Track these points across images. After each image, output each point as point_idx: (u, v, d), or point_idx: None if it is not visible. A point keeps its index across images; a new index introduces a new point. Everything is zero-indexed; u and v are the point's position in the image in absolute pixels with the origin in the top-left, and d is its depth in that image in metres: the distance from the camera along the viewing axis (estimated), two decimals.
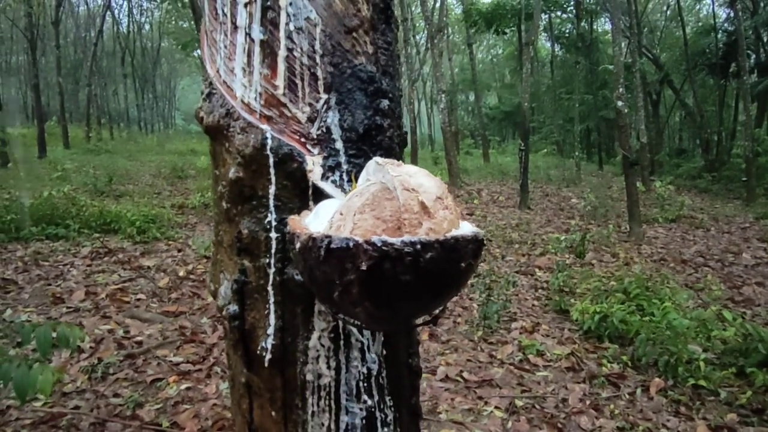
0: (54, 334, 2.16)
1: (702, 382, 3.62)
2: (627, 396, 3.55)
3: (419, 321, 0.66)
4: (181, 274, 5.68)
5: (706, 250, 8.16)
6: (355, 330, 0.68)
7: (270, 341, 0.69)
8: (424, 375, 3.58)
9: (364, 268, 0.50)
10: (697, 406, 3.42)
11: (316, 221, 0.62)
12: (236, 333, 0.72)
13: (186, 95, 55.84)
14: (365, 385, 0.69)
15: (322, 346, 0.68)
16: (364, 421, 0.70)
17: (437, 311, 0.64)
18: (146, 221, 7.47)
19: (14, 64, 36.82)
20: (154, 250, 6.61)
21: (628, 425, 3.18)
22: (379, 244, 0.50)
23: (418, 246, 0.51)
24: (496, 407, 3.32)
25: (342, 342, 0.68)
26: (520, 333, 4.50)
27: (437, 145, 30.37)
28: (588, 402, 3.45)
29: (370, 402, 0.70)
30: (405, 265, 0.50)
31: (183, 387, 3.41)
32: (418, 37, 29.38)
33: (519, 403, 3.39)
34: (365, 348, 0.69)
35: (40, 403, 3.16)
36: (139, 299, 4.92)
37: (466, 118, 43.71)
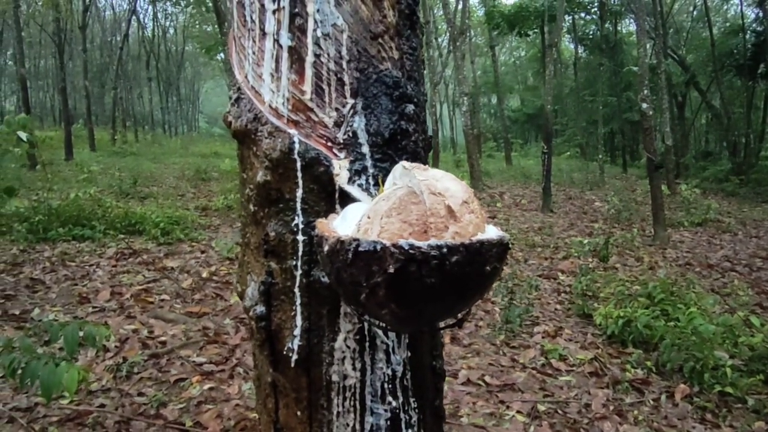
0: (81, 333, 2.20)
1: (729, 389, 3.55)
2: (651, 402, 3.50)
3: (444, 323, 0.67)
4: (204, 275, 5.74)
5: (734, 254, 8.01)
6: (380, 332, 0.69)
7: (296, 342, 0.70)
8: (445, 379, 3.58)
9: (391, 270, 0.51)
10: (724, 414, 3.36)
11: (343, 224, 0.63)
12: (263, 333, 0.73)
13: (209, 98, 56.55)
14: (390, 386, 0.70)
15: (348, 347, 0.69)
16: (388, 423, 0.71)
17: (462, 314, 0.65)
18: (170, 223, 7.57)
19: (42, 68, 37.64)
20: (178, 252, 6.70)
21: None
22: (405, 248, 0.51)
23: (444, 249, 0.51)
24: (518, 412, 3.30)
25: (367, 344, 0.69)
26: (543, 337, 4.47)
27: (459, 148, 30.30)
28: (611, 407, 3.41)
29: (394, 403, 0.71)
30: (431, 268, 0.51)
31: (206, 387, 3.45)
32: (440, 40, 29.37)
33: (541, 407, 3.36)
34: (390, 350, 0.70)
35: (67, 401, 3.22)
36: (163, 300, 4.99)
37: (488, 121, 43.53)
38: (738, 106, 21.48)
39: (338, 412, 0.70)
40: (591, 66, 25.51)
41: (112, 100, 25.75)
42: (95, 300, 4.87)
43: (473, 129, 16.11)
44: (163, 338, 4.12)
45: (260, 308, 0.73)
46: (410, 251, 0.51)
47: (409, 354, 0.72)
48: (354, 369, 0.69)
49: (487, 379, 3.71)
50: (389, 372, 0.70)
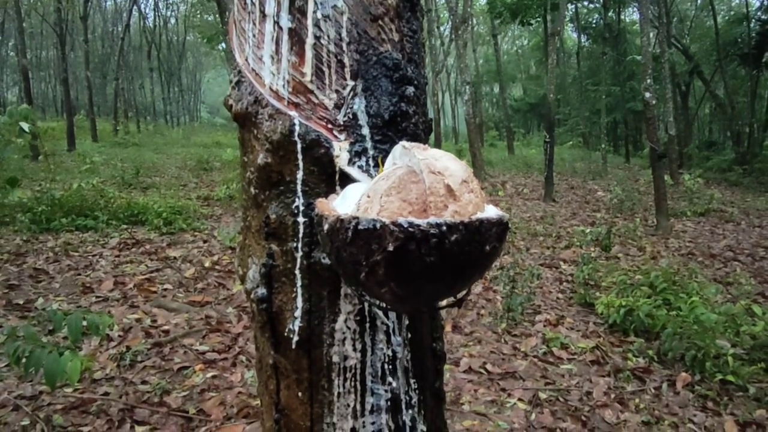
0: (84, 322, 2.21)
1: (730, 378, 3.56)
2: (653, 390, 3.51)
3: (443, 303, 0.67)
4: (206, 264, 5.76)
5: (736, 244, 8.00)
6: (380, 313, 0.69)
7: (297, 324, 0.70)
8: (447, 366, 3.59)
9: (390, 249, 0.51)
10: (725, 402, 3.37)
11: (343, 204, 0.63)
12: (264, 315, 0.74)
13: (211, 88, 56.42)
14: (390, 367, 0.71)
15: (348, 328, 0.69)
16: (389, 403, 0.71)
17: (462, 294, 0.65)
18: (172, 213, 7.59)
19: (44, 59, 37.56)
20: (180, 241, 6.72)
21: (653, 419, 3.15)
22: (405, 226, 0.51)
23: (444, 228, 0.52)
24: (519, 399, 3.31)
25: (368, 325, 0.70)
26: (545, 326, 4.48)
27: (461, 137, 30.24)
28: (613, 395, 3.42)
29: (395, 384, 0.71)
30: (430, 247, 0.51)
31: (209, 375, 3.47)
32: (442, 29, 29.22)
33: (543, 395, 3.38)
34: (390, 331, 0.71)
35: (71, 389, 3.24)
36: (165, 289, 5.01)
37: (490, 110, 43.41)
38: (742, 95, 21.37)
39: (339, 393, 0.71)
40: (594, 55, 25.40)
41: (113, 90, 25.73)
42: (98, 290, 4.89)
43: (475, 118, 16.05)
44: (166, 327, 4.14)
45: (261, 290, 0.73)
46: (410, 229, 0.51)
47: (410, 335, 0.72)
48: (354, 350, 0.69)
49: (488, 367, 3.72)
50: (389, 353, 0.71)
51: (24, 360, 2.01)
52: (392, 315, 0.71)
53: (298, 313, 0.70)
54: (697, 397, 3.44)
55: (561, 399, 3.36)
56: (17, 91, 32.18)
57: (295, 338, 0.71)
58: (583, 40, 26.71)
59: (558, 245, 7.30)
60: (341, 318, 0.69)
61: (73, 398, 3.14)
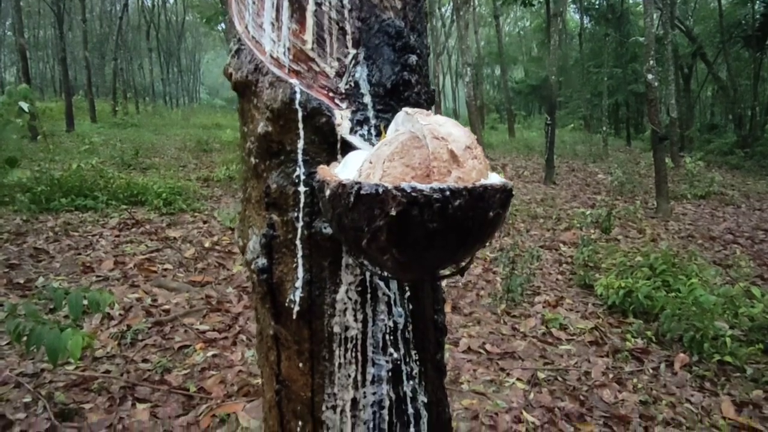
0: (85, 300, 2.22)
1: (728, 359, 3.58)
2: (650, 371, 3.53)
3: (446, 272, 0.67)
4: (206, 245, 5.76)
5: (736, 227, 8.00)
6: (382, 284, 0.69)
7: (298, 294, 0.70)
8: (446, 346, 3.61)
9: (393, 213, 0.50)
10: (722, 382, 3.39)
11: (344, 171, 0.62)
12: (264, 286, 0.73)
13: (210, 69, 56.06)
14: (391, 338, 0.70)
15: (350, 299, 0.69)
16: (389, 374, 0.71)
17: (464, 262, 0.64)
18: (172, 193, 7.57)
19: (42, 38, 37.24)
20: (180, 222, 6.72)
21: (651, 399, 3.17)
22: (408, 190, 0.50)
23: (447, 193, 0.51)
24: (518, 379, 3.33)
25: (369, 295, 0.69)
26: (544, 307, 4.49)
27: (462, 120, 30.09)
28: (611, 376, 3.44)
29: (396, 355, 0.71)
30: (433, 212, 0.50)
31: (209, 354, 3.49)
32: (443, 10, 28.94)
33: (541, 375, 3.40)
34: (392, 302, 0.70)
35: (72, 367, 3.26)
36: (166, 269, 5.02)
37: (491, 93, 43.14)
38: (745, 78, 21.21)
39: (340, 364, 0.70)
40: (596, 37, 25.15)
41: (112, 71, 25.53)
42: (99, 269, 4.90)
43: (476, 100, 15.95)
44: (166, 306, 4.16)
45: (262, 261, 0.72)
46: (412, 194, 0.50)
47: (411, 307, 0.72)
48: (356, 320, 0.69)
49: (487, 347, 3.74)
50: (391, 324, 0.70)
51: (25, 337, 2.01)
52: (393, 286, 0.70)
53: (298, 283, 0.69)
54: (695, 377, 3.46)
55: (559, 379, 3.38)
56: (15, 71, 31.96)
57: (296, 309, 0.70)
58: (585, 22, 26.44)
59: (558, 227, 7.30)
60: (342, 288, 0.69)
61: (74, 376, 3.16)
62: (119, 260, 5.14)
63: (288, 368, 0.74)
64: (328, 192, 0.56)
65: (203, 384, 3.13)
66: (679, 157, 14.67)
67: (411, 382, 0.72)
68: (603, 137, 18.23)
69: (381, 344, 0.70)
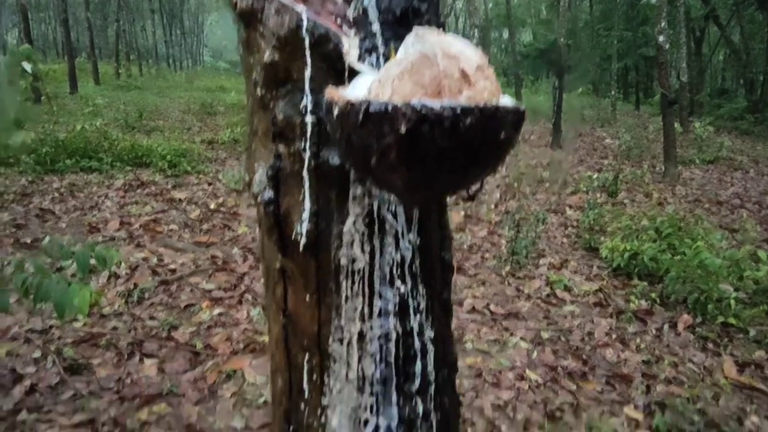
0: (92, 257, 2.22)
1: (731, 320, 3.59)
2: (654, 331, 3.55)
3: (456, 197, 0.66)
4: (212, 206, 5.77)
5: (744, 192, 7.95)
6: (389, 216, 0.68)
7: (305, 226, 0.69)
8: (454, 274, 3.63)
9: (402, 131, 0.49)
10: (725, 343, 3.41)
11: (353, 92, 0.61)
12: (271, 218, 0.72)
13: (214, 31, 55.32)
14: (399, 271, 0.70)
15: (357, 230, 0.68)
16: (396, 307, 0.71)
17: (475, 188, 0.63)
18: (177, 155, 7.56)
19: None
20: (185, 184, 6.72)
21: (653, 359, 3.19)
22: (418, 107, 0.49)
23: (458, 111, 0.49)
24: (521, 339, 3.35)
25: (377, 227, 0.68)
26: (548, 269, 4.50)
27: None
28: (614, 336, 3.46)
29: (403, 288, 0.70)
30: (444, 130, 0.49)
31: (216, 312, 3.52)
32: None
33: (545, 335, 3.42)
34: (399, 235, 0.69)
35: (81, 324, 3.30)
36: (171, 230, 5.03)
37: (499, 56, 42.44)
38: (758, 41, 20.81)
39: (347, 296, 0.70)
40: None
41: (114, 32, 25.22)
42: (105, 229, 4.92)
43: None
44: (172, 266, 4.18)
45: (268, 193, 0.71)
46: (422, 111, 0.49)
47: (419, 242, 0.71)
48: (363, 252, 0.68)
49: (491, 307, 3.76)
50: (398, 257, 0.70)
51: (32, 293, 2.02)
52: (401, 219, 0.69)
53: (305, 215, 0.69)
54: (698, 338, 3.48)
55: (563, 339, 3.40)
56: (17, 32, 31.59)
57: (303, 241, 0.69)
58: None
59: (564, 191, 7.26)
60: (350, 220, 0.68)
61: (82, 333, 3.20)
62: (125, 221, 5.16)
63: (294, 302, 0.74)
64: (336, 111, 0.55)
65: (210, 341, 3.17)
66: (688, 122, 14.51)
67: (418, 317, 0.72)
68: (611, 102, 18.01)
69: (388, 277, 0.70)
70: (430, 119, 0.48)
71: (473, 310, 3.70)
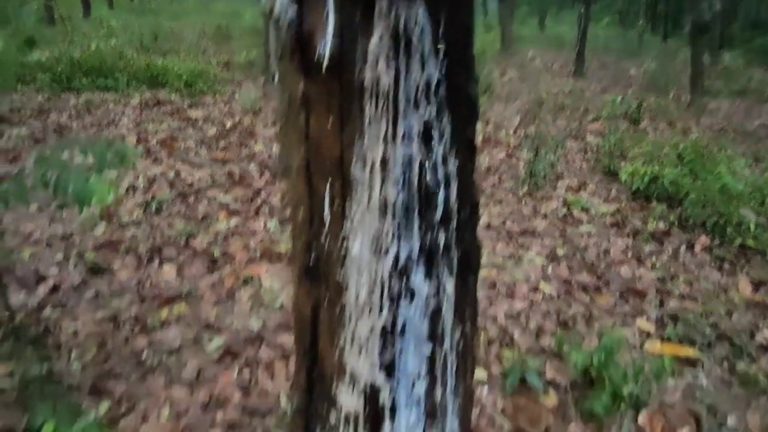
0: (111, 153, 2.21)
1: (750, 242, 3.55)
2: (670, 251, 3.54)
3: None
4: (228, 125, 5.74)
5: None
6: (415, 37, 0.65)
7: (328, 46, 0.66)
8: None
9: None
10: (742, 264, 3.39)
11: None
12: (293, 40, 0.70)
13: None
14: (424, 95, 0.68)
15: (382, 49, 0.65)
16: (421, 131, 0.69)
17: None
18: (193, 76, 7.47)
19: None
20: (202, 103, 6.66)
21: (668, 276, 3.19)
22: None
23: None
24: (537, 254, 3.36)
25: (402, 46, 0.66)
26: (566, 191, 4.45)
27: (491, 14, 28.70)
28: (630, 254, 3.46)
29: (427, 113, 0.68)
30: None
31: (232, 223, 3.56)
32: None
33: (560, 252, 3.42)
34: (425, 56, 0.67)
35: (101, 231, 3.35)
36: (188, 147, 5.03)
37: None
38: None
39: (370, 119, 0.68)
40: None
41: None
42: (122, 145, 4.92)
43: None
44: (189, 180, 4.20)
45: (291, 12, 0.68)
46: None
47: (444, 67, 0.68)
48: (387, 72, 0.66)
49: (507, 225, 3.75)
50: (424, 79, 0.67)
51: (52, 184, 2.04)
52: (427, 38, 0.66)
53: (329, 34, 0.66)
54: (715, 258, 3.46)
55: (578, 255, 3.40)
56: None
57: (326, 62, 0.67)
58: None
59: (585, 118, 7.10)
60: (374, 37, 0.65)
61: (102, 239, 3.26)
62: (142, 137, 5.17)
63: (316, 128, 0.72)
64: None
65: (227, 249, 3.22)
66: (718, 54, 13.96)
67: (442, 145, 0.70)
68: (639, 32, 17.33)
69: (413, 99, 0.67)
70: None
71: (489, 226, 3.69)
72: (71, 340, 2.32)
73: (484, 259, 3.24)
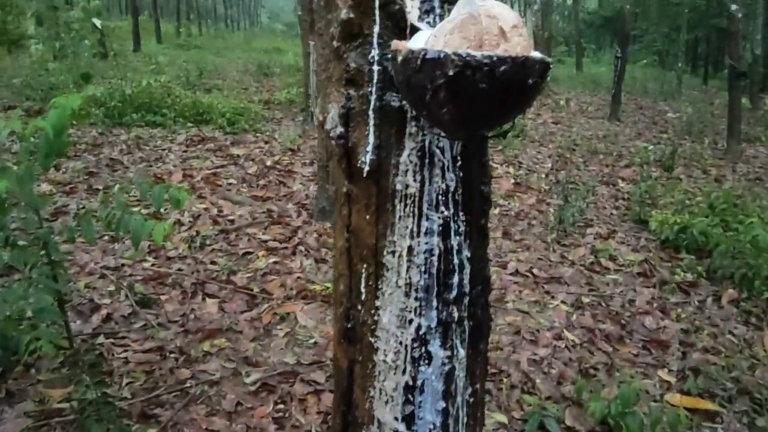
0: (166, 195, 2.43)
1: None
2: (696, 303, 3.58)
3: (491, 133, 0.80)
4: (268, 163, 6.00)
5: None
6: (438, 151, 0.82)
7: (368, 157, 0.84)
8: (494, 268, 3.74)
9: (450, 74, 0.63)
10: None
11: (413, 44, 0.74)
12: (341, 150, 0.88)
13: None
14: (443, 198, 0.85)
15: (411, 162, 0.83)
16: (440, 228, 0.86)
17: (507, 126, 0.77)
18: (235, 114, 7.82)
19: None
20: (243, 141, 6.97)
21: (693, 328, 3.24)
22: (464, 56, 0.63)
23: (495, 59, 0.63)
24: (562, 302, 3.44)
25: (427, 160, 0.83)
26: (595, 238, 4.53)
27: None
28: (655, 305, 3.51)
29: (446, 213, 0.85)
30: (483, 74, 0.63)
31: (271, 261, 3.75)
32: None
33: (585, 300, 3.50)
34: (445, 168, 0.84)
35: (149, 264, 3.58)
36: (230, 184, 5.29)
37: (561, 23, 41.10)
38: None
39: (400, 216, 0.85)
40: None
41: None
42: (169, 180, 5.20)
43: (544, 31, 15.37)
44: (231, 217, 4.43)
45: (340, 129, 0.86)
46: (467, 58, 0.63)
47: (461, 175, 0.85)
48: (415, 180, 0.83)
49: (534, 271, 3.85)
50: (443, 186, 0.84)
51: (114, 225, 2.26)
52: (447, 154, 0.83)
53: (369, 147, 0.84)
54: (741, 312, 3.49)
55: (603, 304, 3.48)
56: None
57: (366, 169, 0.85)
58: None
59: (618, 164, 7.17)
60: (405, 153, 0.83)
61: (150, 271, 3.48)
62: (187, 173, 5.45)
63: (357, 220, 0.90)
64: (400, 58, 0.70)
65: (265, 286, 3.40)
66: (758, 99, 13.82)
67: (458, 237, 0.87)
68: (677, 74, 17.28)
69: (435, 202, 0.84)
70: (472, 65, 0.63)
71: (516, 272, 3.80)
72: (122, 368, 2.51)
73: (509, 305, 3.35)
